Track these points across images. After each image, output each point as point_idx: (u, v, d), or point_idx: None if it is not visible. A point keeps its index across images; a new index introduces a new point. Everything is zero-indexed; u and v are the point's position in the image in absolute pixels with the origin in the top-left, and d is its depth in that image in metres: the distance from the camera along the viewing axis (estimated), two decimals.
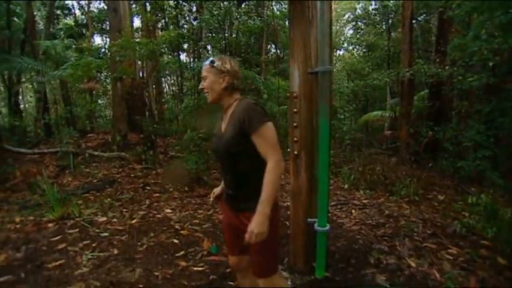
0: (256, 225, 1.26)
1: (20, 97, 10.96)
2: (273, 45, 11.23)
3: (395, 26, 9.91)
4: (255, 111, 1.37)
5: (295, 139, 2.25)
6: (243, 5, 6.10)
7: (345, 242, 2.92)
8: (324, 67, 1.95)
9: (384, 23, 10.90)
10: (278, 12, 9.97)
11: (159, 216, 3.48)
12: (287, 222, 3.45)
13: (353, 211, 3.62)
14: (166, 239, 2.95)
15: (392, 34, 10.53)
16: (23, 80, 9.74)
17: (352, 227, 3.23)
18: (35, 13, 9.98)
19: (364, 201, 3.95)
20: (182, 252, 2.71)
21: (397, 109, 6.77)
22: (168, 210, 3.66)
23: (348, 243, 2.88)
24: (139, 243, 2.88)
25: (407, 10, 6.37)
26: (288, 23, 2.25)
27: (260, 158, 1.37)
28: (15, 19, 9.44)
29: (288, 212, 3.72)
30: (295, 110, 2.21)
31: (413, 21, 6.38)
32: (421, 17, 8.93)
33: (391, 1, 9.65)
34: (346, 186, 4.71)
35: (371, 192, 4.33)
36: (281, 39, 9.66)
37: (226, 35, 6.91)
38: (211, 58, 1.55)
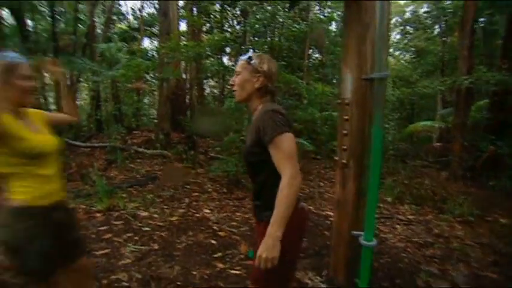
0: (265, 249, 1.13)
1: (78, 95, 11.98)
2: (316, 50, 11.07)
3: (451, 29, 9.22)
4: (272, 119, 1.22)
5: (344, 147, 2.14)
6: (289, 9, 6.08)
7: (388, 259, 2.73)
8: (381, 73, 1.83)
9: (436, 26, 10.21)
10: (322, 17, 9.83)
11: (197, 215, 3.55)
12: (326, 232, 3.33)
13: (397, 226, 3.38)
14: (204, 238, 2.99)
15: (445, 39, 9.82)
16: (81, 79, 10.62)
17: (397, 243, 3.02)
18: (95, 19, 10.87)
19: (409, 216, 3.69)
20: (220, 254, 2.72)
21: (450, 120, 6.27)
22: (207, 211, 3.72)
23: (393, 261, 2.68)
24: (178, 241, 2.95)
25: (469, 12, 5.79)
26: (342, 26, 2.14)
27: (275, 171, 1.25)
28: (80, 25, 10.37)
29: (328, 222, 3.60)
30: (346, 117, 2.11)
31: (475, 24, 5.82)
32: (484, 19, 8.13)
33: (448, 2, 8.98)
34: (389, 199, 4.44)
35: (417, 208, 4.03)
36: (325, 44, 9.50)
37: (269, 38, 6.93)
38: (250, 53, 1.43)
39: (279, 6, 5.67)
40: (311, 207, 4.14)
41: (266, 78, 1.37)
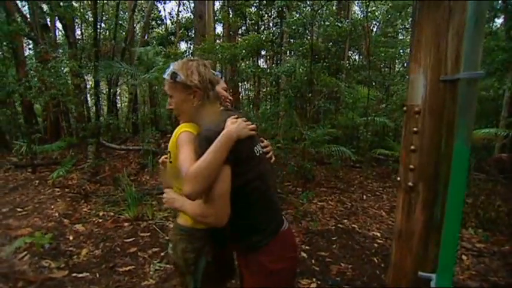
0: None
1: (118, 98, 12.46)
2: (356, 51, 10.44)
3: None
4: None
5: (411, 167, 1.69)
6: (333, 7, 5.65)
7: None
8: (471, 73, 1.37)
9: (498, 19, 9.07)
10: (363, 15, 9.21)
11: None
12: (374, 259, 2.86)
13: (464, 257, 2.81)
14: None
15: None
16: (120, 82, 10.99)
17: (468, 281, 2.47)
18: (134, 25, 11.23)
19: (477, 245, 3.08)
20: None
21: None
22: None
23: None
24: None
25: None
26: (413, 15, 1.65)
27: (234, 193, 1.08)
28: (121, 31, 10.77)
29: (375, 245, 3.12)
30: (415, 129, 1.66)
31: None
32: None
33: None
34: None
35: (486, 234, 3.37)
36: (368, 44, 8.86)
37: (308, 39, 6.53)
38: (171, 67, 1.16)
39: (322, 2, 5.26)
40: (354, 226, 3.67)
41: (203, 90, 1.14)
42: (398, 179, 1.83)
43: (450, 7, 1.48)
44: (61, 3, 6.67)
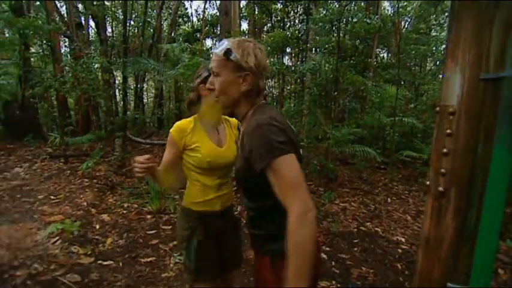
0: None
1: (145, 93, 12.86)
2: (385, 49, 10.07)
3: None
4: (265, 137, 0.89)
5: (443, 171, 1.58)
6: (362, 3, 5.48)
7: None
8: None
9: None
10: (393, 11, 8.85)
11: None
12: (398, 265, 2.75)
13: (501, 271, 2.63)
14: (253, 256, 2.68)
15: None
16: (147, 78, 11.33)
17: None
18: (162, 22, 11.51)
19: None
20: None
21: None
22: None
23: None
24: None
25: None
26: (451, 10, 1.51)
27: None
28: (149, 28, 11.08)
29: (399, 250, 2.99)
30: (448, 130, 1.55)
31: None
32: None
33: None
34: None
35: None
36: (393, 43, 8.51)
37: (334, 36, 6.37)
38: (225, 43, 1.01)
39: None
40: (377, 229, 3.55)
41: (255, 76, 1.01)
42: (428, 183, 1.72)
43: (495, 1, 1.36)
44: (94, 2, 6.96)
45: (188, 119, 1.49)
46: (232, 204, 1.60)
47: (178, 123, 1.47)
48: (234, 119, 1.61)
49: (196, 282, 1.51)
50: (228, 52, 0.99)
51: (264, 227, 1.06)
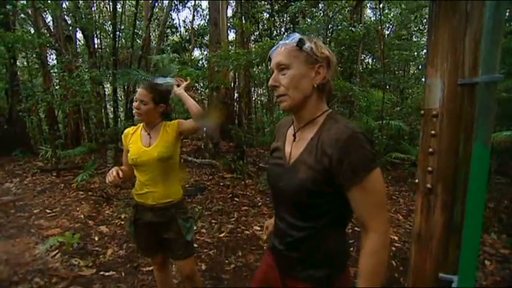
0: None
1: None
2: (369, 55, 10.41)
3: None
4: (363, 149, 0.85)
5: (430, 169, 1.72)
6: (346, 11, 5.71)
7: None
8: (490, 76, 1.41)
9: None
10: (375, 18, 9.20)
11: (247, 232, 3.34)
12: (392, 262, 2.87)
13: (486, 262, 2.78)
14: (254, 261, 2.75)
15: None
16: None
17: (492, 287, 2.45)
18: (150, 33, 11.58)
19: (502, 250, 3.03)
20: None
21: None
22: (257, 228, 3.48)
23: None
24: (227, 261, 2.75)
25: None
26: (429, 19, 1.70)
27: (342, 216, 0.95)
28: (137, 40, 11.13)
29: (393, 248, 3.12)
30: (432, 132, 1.70)
31: None
32: None
33: None
34: None
35: (510, 240, 3.32)
36: (382, 48, 8.84)
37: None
38: (296, 35, 0.94)
39: (336, 8, 5.33)
40: None
41: (329, 69, 0.94)
42: (417, 181, 1.86)
43: (467, 11, 1.52)
44: (83, 16, 7.00)
45: (134, 127, 1.85)
46: (170, 205, 1.73)
47: (126, 130, 1.85)
48: (172, 121, 1.80)
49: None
50: (301, 41, 0.91)
51: (309, 251, 0.96)
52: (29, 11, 6.89)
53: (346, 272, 0.96)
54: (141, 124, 1.81)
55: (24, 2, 6.42)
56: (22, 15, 8.48)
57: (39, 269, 2.62)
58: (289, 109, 0.96)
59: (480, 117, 1.45)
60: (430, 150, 1.70)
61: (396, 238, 3.45)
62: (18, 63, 9.00)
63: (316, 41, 0.95)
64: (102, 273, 2.62)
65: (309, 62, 0.92)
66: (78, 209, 4.05)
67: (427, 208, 1.77)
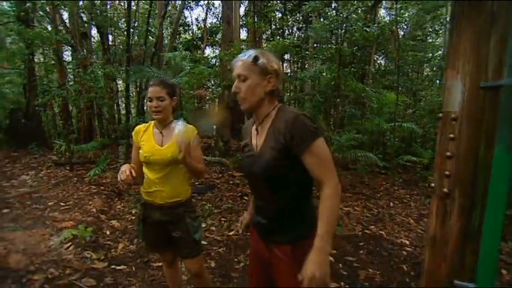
0: (317, 267, 1.03)
1: (146, 101, 12.98)
2: (382, 55, 10.26)
3: None
4: (305, 124, 1.11)
5: (447, 173, 1.69)
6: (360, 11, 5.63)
7: None
8: None
9: None
10: (389, 19, 9.06)
11: None
12: (404, 266, 2.83)
13: (504, 272, 2.71)
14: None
15: None
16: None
17: None
18: (163, 31, 11.69)
19: None
20: None
21: None
22: None
23: None
24: (236, 260, 2.76)
25: None
26: (451, 20, 1.66)
27: (305, 183, 1.20)
28: (150, 37, 11.25)
29: (404, 252, 3.07)
30: (451, 135, 1.66)
31: None
32: None
33: None
34: None
35: None
36: (391, 49, 8.70)
37: (334, 44, 6.53)
38: (251, 51, 1.21)
39: (351, 8, 5.27)
40: (382, 232, 3.63)
41: (277, 79, 1.21)
42: (433, 185, 1.83)
43: (493, 10, 1.48)
44: (98, 13, 7.11)
45: (145, 124, 1.85)
46: (179, 204, 1.74)
47: (137, 127, 1.83)
48: (188, 124, 1.78)
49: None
50: (256, 58, 1.17)
51: (283, 220, 1.21)
52: (47, 9, 7.05)
53: (314, 230, 1.11)
54: (152, 122, 1.80)
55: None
56: (41, 12, 8.70)
57: (53, 260, 2.68)
58: (248, 109, 1.23)
59: (503, 121, 1.41)
60: (448, 153, 1.66)
61: (407, 242, 3.40)
62: (35, 59, 9.23)
63: (268, 56, 1.21)
64: (113, 266, 2.67)
65: (262, 74, 1.18)
66: (90, 203, 4.12)
67: (442, 212, 1.74)
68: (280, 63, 1.30)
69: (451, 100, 1.69)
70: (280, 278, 1.24)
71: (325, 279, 1.04)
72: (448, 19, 8.04)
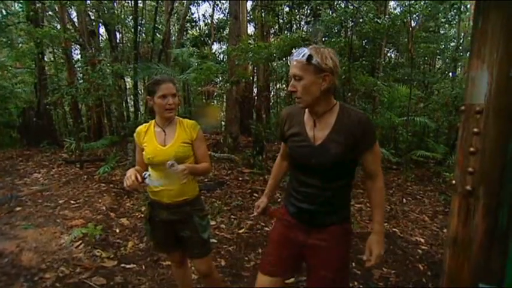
0: (381, 246, 1.31)
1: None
2: (393, 48, 10.01)
3: None
4: (372, 126, 1.31)
5: (471, 170, 1.58)
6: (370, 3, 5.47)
7: None
8: None
9: None
10: (399, 10, 8.78)
11: (267, 229, 3.28)
12: (419, 265, 2.74)
13: None
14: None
15: None
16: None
17: None
18: (170, 28, 11.66)
19: None
20: (292, 280, 2.39)
21: None
22: None
23: None
24: (246, 258, 2.72)
25: None
26: (476, 9, 1.54)
27: (352, 175, 1.40)
28: (157, 34, 11.24)
29: (419, 251, 2.96)
30: (475, 129, 1.55)
31: None
32: None
33: None
34: None
35: None
36: (402, 42, 8.46)
37: (343, 37, 6.38)
38: (305, 50, 1.20)
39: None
40: (395, 230, 3.53)
41: (333, 76, 1.23)
42: (454, 182, 1.72)
43: None
44: (106, 11, 7.11)
45: (146, 124, 1.78)
46: (186, 202, 1.69)
47: (137, 128, 1.77)
48: (189, 120, 1.77)
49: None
50: (309, 57, 1.18)
51: (331, 204, 1.34)
52: (56, 7, 7.08)
53: (349, 213, 1.44)
54: (153, 121, 1.75)
55: None
56: (50, 12, 8.77)
57: (64, 258, 2.68)
58: (305, 107, 1.30)
59: None
60: (472, 149, 1.55)
61: (422, 240, 3.30)
62: (45, 58, 9.33)
63: (322, 53, 1.20)
64: (123, 265, 2.65)
65: (316, 73, 1.20)
66: (100, 200, 4.14)
67: (465, 211, 1.63)
68: (337, 57, 1.27)
69: (475, 92, 1.57)
70: (321, 257, 1.36)
71: (381, 255, 1.31)
72: (462, 8, 7.72)
